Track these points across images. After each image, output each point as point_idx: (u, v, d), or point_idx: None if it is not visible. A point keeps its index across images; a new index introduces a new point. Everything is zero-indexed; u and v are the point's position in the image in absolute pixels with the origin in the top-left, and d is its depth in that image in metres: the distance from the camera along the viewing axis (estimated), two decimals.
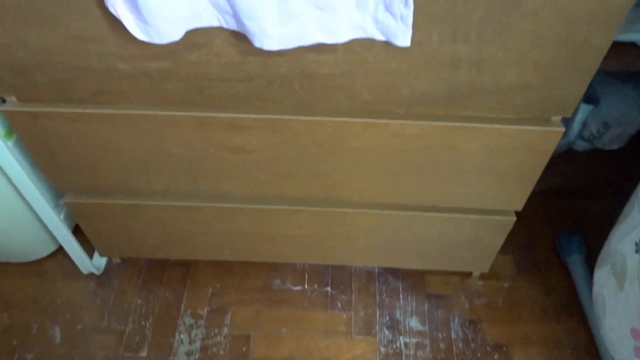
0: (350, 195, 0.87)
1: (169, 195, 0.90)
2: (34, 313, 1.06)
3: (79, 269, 1.10)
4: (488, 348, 1.02)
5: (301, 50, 0.63)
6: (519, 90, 0.68)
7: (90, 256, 1.10)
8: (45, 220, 0.97)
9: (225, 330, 1.04)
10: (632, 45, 0.93)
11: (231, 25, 0.59)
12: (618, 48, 0.86)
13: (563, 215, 1.23)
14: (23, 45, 0.64)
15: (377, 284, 1.11)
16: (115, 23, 0.59)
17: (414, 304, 1.08)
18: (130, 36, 0.60)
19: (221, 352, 1.01)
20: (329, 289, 1.10)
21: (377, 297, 1.09)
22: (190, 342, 1.02)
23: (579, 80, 0.67)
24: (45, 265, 1.14)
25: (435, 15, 0.59)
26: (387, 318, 1.06)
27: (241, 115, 0.73)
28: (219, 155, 0.80)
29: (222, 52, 0.64)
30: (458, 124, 0.73)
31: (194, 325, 1.05)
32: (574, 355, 1.01)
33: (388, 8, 0.57)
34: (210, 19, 0.59)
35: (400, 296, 1.09)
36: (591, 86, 1.07)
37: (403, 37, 0.60)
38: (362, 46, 0.63)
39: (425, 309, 1.07)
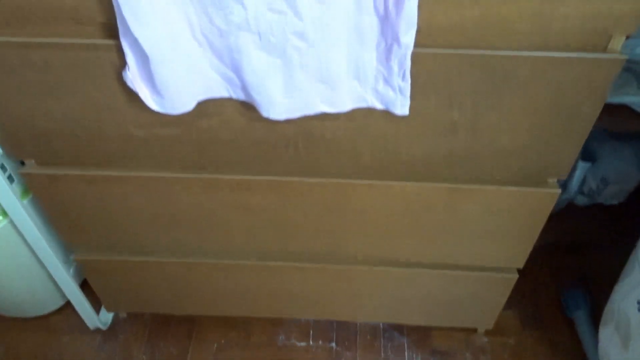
0: (354, 252, 0.89)
1: (176, 251, 0.92)
2: None
3: (85, 324, 1.11)
4: None
5: (306, 117, 0.66)
6: (514, 154, 0.71)
7: (97, 311, 1.11)
8: (55, 276, 0.99)
9: None
10: (624, 106, 0.97)
11: (240, 96, 0.63)
12: (611, 110, 0.90)
13: (566, 270, 1.23)
14: (45, 114, 0.68)
15: (382, 340, 1.11)
16: (132, 94, 0.63)
17: None
18: (145, 106, 0.64)
19: None
20: (333, 344, 1.10)
21: (382, 354, 1.08)
22: None
23: (572, 144, 0.70)
24: (52, 320, 1.15)
25: (431, 86, 0.63)
26: None
27: (248, 177, 0.76)
28: (226, 214, 0.82)
29: (231, 119, 0.68)
30: (456, 185, 0.75)
31: None
32: None
33: (387, 81, 0.61)
34: (220, 90, 0.63)
35: (406, 353, 1.09)
36: (588, 144, 1.10)
37: (402, 107, 0.63)
38: (363, 113, 0.67)
39: None
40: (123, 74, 0.61)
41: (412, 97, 0.63)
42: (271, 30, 0.55)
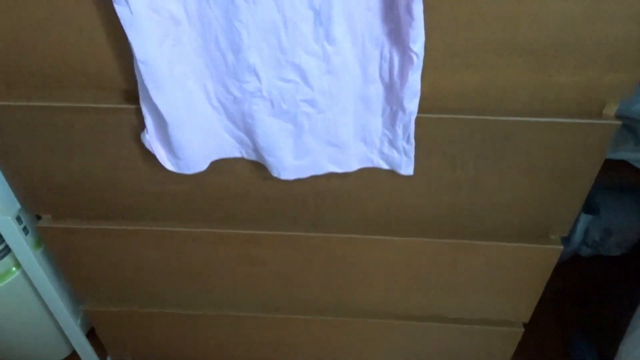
0: (360, 305, 0.90)
1: (183, 302, 0.93)
2: None
3: None
4: None
5: (315, 176, 0.69)
6: (516, 211, 0.73)
7: (103, 359, 1.11)
8: (63, 326, 1.00)
9: None
10: (623, 162, 0.99)
11: (251, 156, 0.66)
12: (610, 165, 0.92)
13: (573, 321, 1.23)
14: (65, 171, 0.71)
15: None
16: (148, 154, 0.66)
17: None
18: (160, 165, 0.67)
19: None
20: None
21: None
22: None
23: (573, 202, 0.72)
24: None
25: (434, 148, 0.66)
26: None
27: (257, 232, 0.78)
28: (234, 266, 0.84)
29: (242, 176, 0.71)
30: (460, 240, 0.77)
31: None
32: None
33: (392, 144, 0.64)
34: (233, 151, 0.66)
35: None
36: (590, 196, 1.12)
37: (406, 168, 0.66)
38: (369, 172, 0.69)
39: None
40: (141, 135, 0.64)
41: (417, 158, 0.66)
42: (283, 98, 0.59)
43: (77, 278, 0.88)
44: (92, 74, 0.61)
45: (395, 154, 0.65)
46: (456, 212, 0.74)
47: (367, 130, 0.63)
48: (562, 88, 0.59)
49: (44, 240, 0.82)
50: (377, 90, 0.59)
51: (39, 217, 0.81)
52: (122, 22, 0.51)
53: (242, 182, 0.72)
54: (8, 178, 0.75)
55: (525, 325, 0.92)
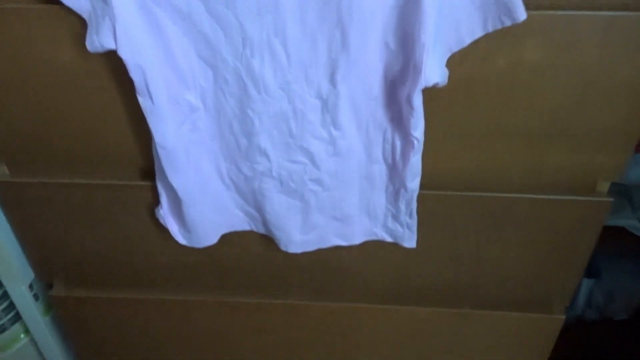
0: None
1: None
2: None
3: None
4: None
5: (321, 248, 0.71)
6: (518, 282, 0.75)
7: None
8: None
9: None
10: (621, 228, 1.01)
11: (261, 230, 0.69)
12: (609, 231, 0.94)
13: None
14: (79, 243, 0.74)
15: None
16: (161, 227, 0.69)
17: None
18: (172, 238, 0.69)
19: None
20: None
21: None
22: None
23: (572, 272, 0.74)
24: None
25: (436, 223, 0.68)
26: None
27: (265, 301, 0.80)
28: (241, 334, 0.85)
29: (251, 248, 0.74)
30: (464, 310, 0.78)
31: None
32: None
33: (395, 218, 0.67)
34: (243, 225, 0.69)
35: None
36: (591, 260, 1.14)
37: (409, 240, 0.68)
38: (374, 244, 0.71)
39: None
40: (156, 211, 0.67)
41: (419, 231, 0.68)
42: (291, 177, 0.62)
43: (85, 345, 0.89)
44: (112, 153, 0.65)
45: (398, 228, 0.67)
46: (459, 283, 0.75)
47: (372, 205, 0.66)
48: (556, 168, 0.63)
49: (55, 308, 0.84)
50: (380, 170, 0.63)
51: (50, 285, 0.83)
52: (144, 111, 0.55)
53: (250, 254, 0.74)
54: (24, 248, 0.77)
55: None
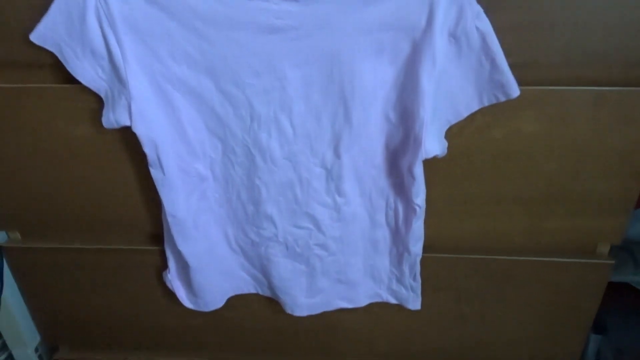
0: None
1: None
2: None
3: None
4: None
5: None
6: (522, 343, 0.75)
7: None
8: None
9: None
10: (625, 284, 1.01)
11: (266, 293, 0.70)
12: (612, 287, 0.94)
13: None
14: (88, 306, 0.75)
15: None
16: (168, 291, 0.70)
17: None
18: (179, 301, 0.70)
19: None
20: None
21: None
22: None
23: (577, 331, 0.74)
24: None
25: (440, 285, 0.69)
26: None
27: None
28: None
29: (257, 311, 0.74)
30: None
31: None
32: None
33: (400, 281, 0.67)
34: (249, 288, 0.70)
35: None
36: (598, 316, 1.13)
37: (414, 303, 0.69)
38: (378, 306, 0.72)
39: None
40: (164, 275, 0.68)
41: (423, 293, 0.69)
42: (297, 242, 0.64)
43: None
44: (122, 220, 0.67)
45: (402, 290, 0.68)
46: (464, 344, 0.75)
47: (376, 268, 0.67)
48: (556, 231, 0.64)
49: None
50: (384, 234, 0.64)
51: (56, 348, 0.83)
52: (156, 182, 0.58)
53: (256, 317, 0.75)
54: (32, 311, 0.78)
55: None
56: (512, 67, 0.50)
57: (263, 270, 0.67)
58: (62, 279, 0.72)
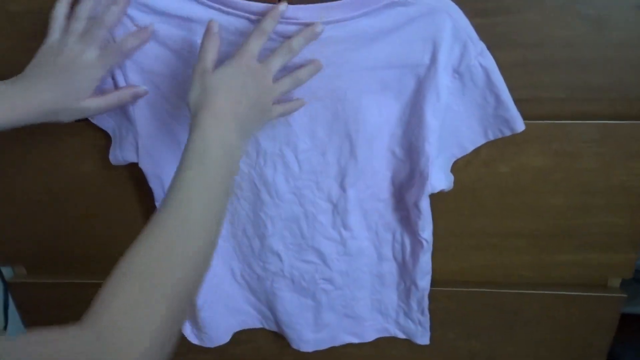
0: None
1: None
2: None
3: None
4: None
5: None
6: None
7: None
8: None
9: None
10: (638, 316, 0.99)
11: (272, 328, 0.69)
12: (626, 319, 0.92)
13: None
14: None
15: None
16: None
17: None
18: (184, 337, 0.69)
19: None
20: None
21: None
22: None
23: None
24: None
25: (449, 320, 0.68)
26: None
27: None
28: None
29: (262, 346, 0.73)
30: None
31: None
32: None
33: (407, 315, 0.66)
34: (254, 323, 0.69)
35: None
36: (613, 348, 1.10)
37: (422, 337, 0.68)
38: (386, 340, 0.71)
39: None
40: None
41: (432, 328, 0.68)
42: (303, 276, 0.63)
43: None
44: None
45: (411, 325, 0.67)
46: None
47: (383, 303, 0.66)
48: (565, 265, 0.63)
49: None
50: (391, 268, 0.63)
51: None
52: None
53: (262, 352, 0.74)
54: None
55: None
56: (517, 102, 0.50)
57: (269, 304, 0.66)
58: (65, 313, 0.71)
